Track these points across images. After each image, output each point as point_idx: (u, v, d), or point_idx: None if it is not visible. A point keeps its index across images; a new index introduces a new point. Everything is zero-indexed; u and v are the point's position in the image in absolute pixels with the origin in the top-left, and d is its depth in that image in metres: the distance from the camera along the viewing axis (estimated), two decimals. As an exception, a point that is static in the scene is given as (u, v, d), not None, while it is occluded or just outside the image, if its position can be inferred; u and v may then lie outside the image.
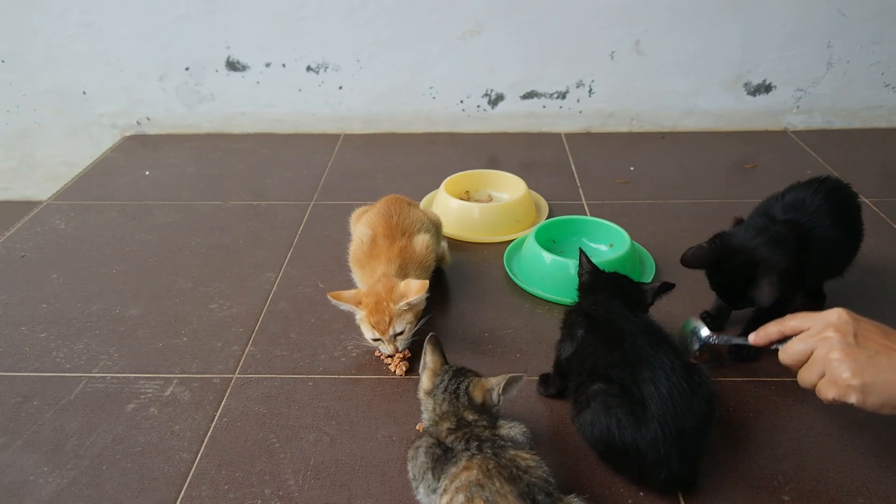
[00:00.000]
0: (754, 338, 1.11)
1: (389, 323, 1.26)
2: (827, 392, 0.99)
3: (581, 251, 1.27)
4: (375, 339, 1.30)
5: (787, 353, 1.04)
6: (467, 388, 1.03)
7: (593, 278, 1.23)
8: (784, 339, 1.07)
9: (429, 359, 1.08)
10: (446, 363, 1.08)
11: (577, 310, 1.18)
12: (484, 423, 0.97)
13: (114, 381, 1.30)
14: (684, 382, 0.98)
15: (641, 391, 0.98)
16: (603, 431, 1.00)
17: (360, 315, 1.30)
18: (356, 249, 1.44)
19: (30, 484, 1.09)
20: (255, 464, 1.11)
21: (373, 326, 1.27)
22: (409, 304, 1.27)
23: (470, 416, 0.98)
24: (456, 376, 1.04)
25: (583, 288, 1.24)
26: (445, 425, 0.97)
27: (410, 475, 0.97)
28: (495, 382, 1.02)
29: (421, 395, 1.07)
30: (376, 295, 1.28)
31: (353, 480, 1.08)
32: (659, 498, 1.03)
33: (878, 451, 1.11)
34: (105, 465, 1.12)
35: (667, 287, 1.21)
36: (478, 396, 1.03)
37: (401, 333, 1.29)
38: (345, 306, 1.31)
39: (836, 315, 1.00)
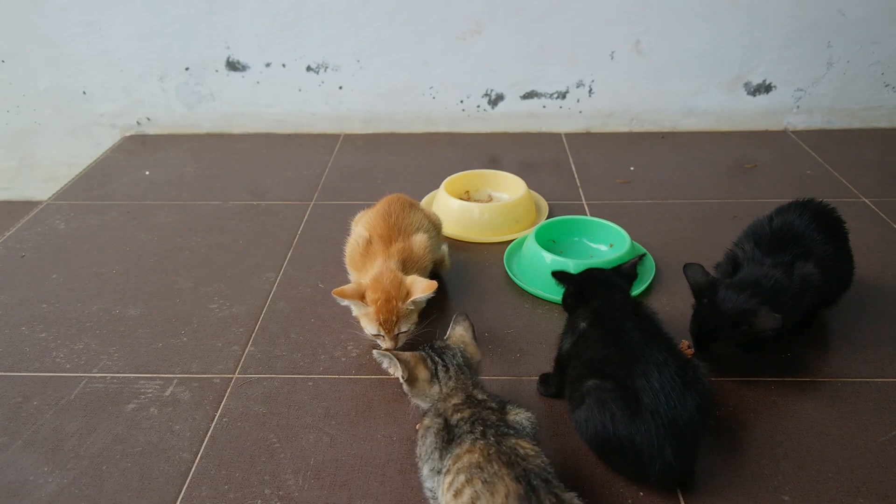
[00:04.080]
0: None
1: (396, 322, 1.25)
2: None
3: (555, 275, 1.29)
4: (377, 335, 1.29)
5: None
6: (464, 356, 1.07)
7: (580, 286, 1.25)
8: None
9: (403, 361, 1.03)
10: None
11: (587, 308, 1.19)
12: (493, 405, 1.00)
13: (114, 381, 1.30)
14: (677, 377, 1.00)
15: (635, 385, 1.00)
16: (598, 427, 1.02)
17: (362, 310, 1.28)
18: (352, 251, 1.43)
19: (30, 484, 1.09)
20: (255, 464, 1.11)
21: (380, 325, 1.25)
22: (414, 302, 1.27)
23: (480, 396, 1.02)
24: (444, 353, 1.07)
25: (573, 298, 1.26)
26: (453, 401, 1.00)
27: (417, 454, 0.99)
28: (469, 333, 1.11)
29: (422, 388, 1.04)
30: (385, 292, 1.25)
31: (353, 480, 1.08)
32: (659, 497, 1.03)
33: (877, 451, 1.11)
34: (105, 465, 1.12)
35: (640, 258, 1.31)
36: (474, 353, 1.09)
37: (405, 332, 1.29)
38: (347, 302, 1.29)
39: None
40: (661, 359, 1.02)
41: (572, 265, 1.46)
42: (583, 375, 1.07)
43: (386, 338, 1.27)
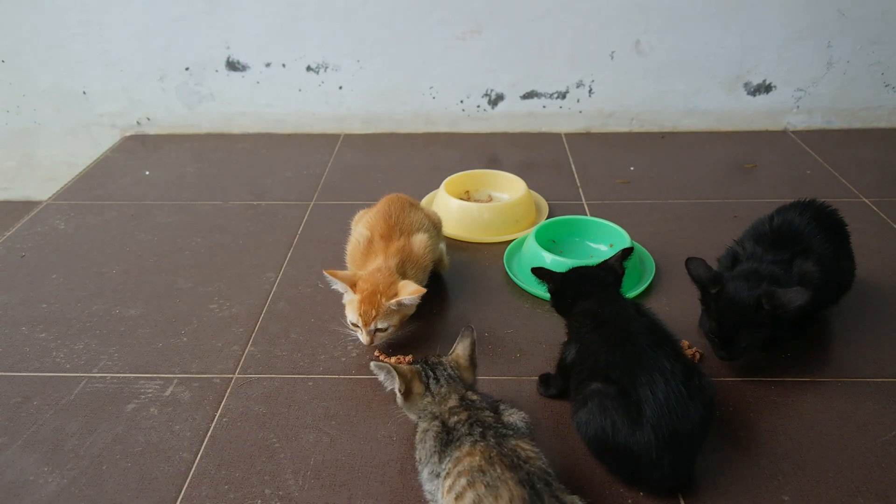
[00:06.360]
0: None
1: (375, 316, 1.26)
2: None
3: (535, 272, 1.23)
4: (355, 326, 1.30)
5: None
6: (456, 373, 1.06)
7: (563, 285, 1.21)
8: None
9: (401, 375, 1.04)
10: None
11: (584, 311, 1.17)
12: (485, 405, 1.00)
13: (114, 381, 1.30)
14: (682, 387, 0.98)
15: (638, 394, 0.98)
16: (598, 431, 1.01)
17: (350, 297, 1.31)
18: (353, 250, 1.44)
19: (30, 484, 1.09)
20: (255, 464, 1.11)
21: (360, 314, 1.27)
22: (399, 303, 1.27)
23: (473, 396, 1.03)
24: (436, 367, 1.07)
25: (558, 299, 1.22)
26: (449, 404, 1.01)
27: (417, 457, 0.99)
28: (468, 352, 1.09)
29: (415, 401, 1.04)
30: (374, 284, 1.28)
31: (353, 480, 1.08)
32: (659, 498, 1.03)
33: (878, 451, 1.11)
34: (105, 465, 1.12)
35: (626, 252, 1.24)
36: (468, 376, 1.08)
37: (383, 330, 1.29)
38: (337, 284, 1.31)
39: None
40: (669, 367, 0.99)
41: (572, 265, 1.45)
42: (587, 378, 1.05)
43: (362, 330, 1.28)
